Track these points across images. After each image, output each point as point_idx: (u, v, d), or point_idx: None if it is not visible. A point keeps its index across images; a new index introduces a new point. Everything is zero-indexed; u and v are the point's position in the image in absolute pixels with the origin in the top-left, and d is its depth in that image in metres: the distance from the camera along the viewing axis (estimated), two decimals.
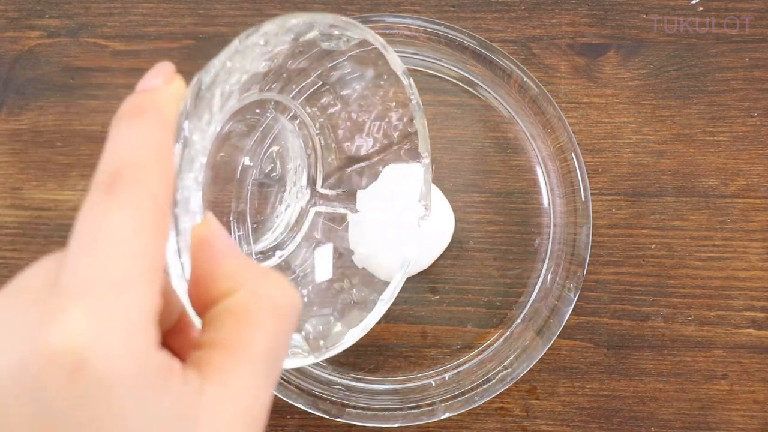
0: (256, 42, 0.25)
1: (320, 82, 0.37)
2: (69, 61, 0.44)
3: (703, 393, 0.42)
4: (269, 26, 0.25)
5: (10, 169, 0.44)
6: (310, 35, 0.29)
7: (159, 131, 0.21)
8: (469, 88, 0.44)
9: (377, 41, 0.29)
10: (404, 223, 0.37)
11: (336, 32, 0.30)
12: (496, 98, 0.43)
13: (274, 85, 0.36)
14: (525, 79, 0.42)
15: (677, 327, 0.43)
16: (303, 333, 0.34)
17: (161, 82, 0.22)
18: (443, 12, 0.44)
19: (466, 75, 0.43)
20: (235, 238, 0.40)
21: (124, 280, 0.18)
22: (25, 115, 0.44)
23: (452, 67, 0.43)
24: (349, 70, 0.35)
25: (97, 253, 0.18)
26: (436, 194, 0.43)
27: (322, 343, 0.33)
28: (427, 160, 0.35)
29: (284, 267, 0.39)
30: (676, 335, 0.43)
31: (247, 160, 0.40)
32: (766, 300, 0.43)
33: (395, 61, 0.31)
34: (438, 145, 0.43)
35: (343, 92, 0.37)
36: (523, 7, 0.44)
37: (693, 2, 0.44)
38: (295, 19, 0.26)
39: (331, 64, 0.35)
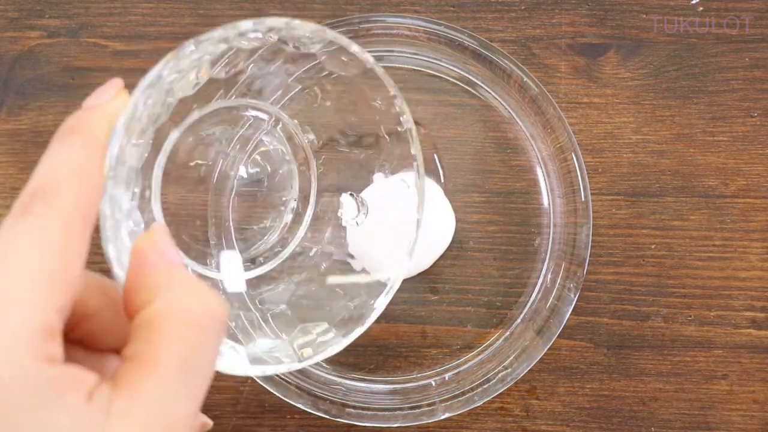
0: (190, 52, 0.25)
1: (299, 86, 0.37)
2: (69, 61, 0.44)
3: (703, 393, 0.42)
4: (205, 43, 0.25)
5: (10, 169, 0.44)
6: (271, 39, 0.29)
7: (84, 152, 0.22)
8: (469, 88, 0.44)
9: (339, 39, 0.28)
10: (400, 230, 0.36)
11: (297, 35, 0.29)
12: (496, 98, 0.43)
13: (249, 91, 0.36)
14: (525, 79, 0.42)
15: (677, 327, 0.43)
16: (289, 338, 0.34)
17: (107, 98, 0.23)
18: (443, 12, 0.44)
19: (466, 75, 0.43)
20: (214, 242, 0.40)
21: (10, 298, 0.19)
22: (25, 115, 0.44)
23: (452, 67, 0.43)
24: (327, 72, 0.34)
25: None
26: (437, 194, 0.43)
27: (310, 349, 0.32)
28: (419, 170, 0.32)
29: (278, 272, 0.39)
30: (676, 335, 0.43)
31: (224, 165, 0.39)
32: (766, 300, 0.43)
33: (363, 57, 0.29)
34: (438, 145, 0.43)
35: (325, 94, 0.37)
36: (523, 7, 0.44)
37: (693, 2, 0.44)
38: (219, 32, 0.26)
39: (309, 66, 0.34)
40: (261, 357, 0.31)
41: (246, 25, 0.26)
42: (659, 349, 0.43)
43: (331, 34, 0.28)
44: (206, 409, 0.42)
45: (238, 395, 0.42)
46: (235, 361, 0.28)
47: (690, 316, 0.43)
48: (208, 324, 0.21)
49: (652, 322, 0.43)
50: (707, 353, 0.43)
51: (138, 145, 0.26)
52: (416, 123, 0.43)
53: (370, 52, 0.43)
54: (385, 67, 0.43)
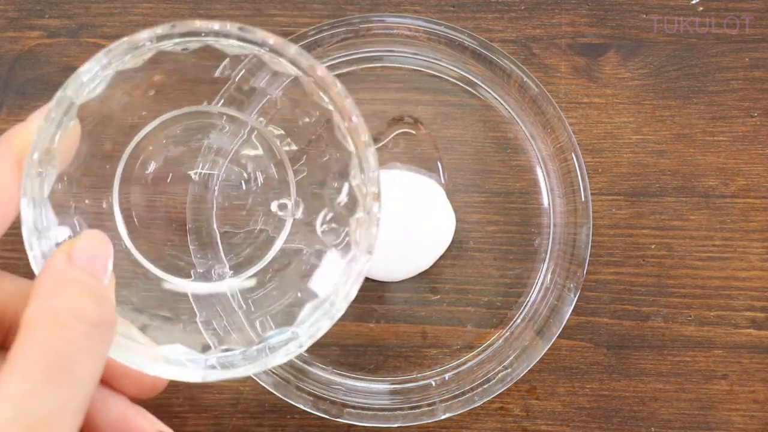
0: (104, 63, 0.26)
1: (268, 95, 0.36)
2: (69, 61, 0.44)
3: (703, 393, 0.42)
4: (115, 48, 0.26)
5: None
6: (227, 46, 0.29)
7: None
8: (469, 88, 0.44)
9: (262, 40, 0.27)
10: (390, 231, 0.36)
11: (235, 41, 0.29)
12: (496, 98, 0.43)
13: (222, 99, 0.36)
14: (525, 79, 0.42)
15: (677, 327, 0.43)
16: (261, 340, 0.33)
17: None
18: (443, 12, 0.44)
19: (466, 75, 0.43)
20: (194, 248, 0.40)
21: None
22: (25, 115, 0.44)
23: (452, 67, 0.43)
24: (285, 76, 0.33)
25: None
26: (437, 194, 0.43)
27: (273, 351, 0.31)
28: (367, 166, 0.30)
29: (264, 275, 0.38)
30: (676, 335, 0.43)
31: (201, 169, 0.39)
32: (766, 300, 0.43)
33: (291, 56, 0.28)
34: (438, 145, 0.43)
35: (290, 98, 0.36)
36: (523, 7, 0.44)
37: (693, 2, 0.44)
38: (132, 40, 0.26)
39: (274, 72, 0.33)
40: (224, 362, 0.30)
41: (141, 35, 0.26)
42: (659, 349, 0.43)
43: (248, 34, 0.27)
44: (206, 409, 0.42)
45: (238, 395, 0.42)
46: (185, 368, 0.28)
47: (690, 316, 0.43)
48: (76, 326, 0.21)
49: (652, 322, 0.43)
50: (707, 353, 0.43)
51: (70, 153, 0.27)
52: (416, 122, 0.44)
53: (370, 52, 0.44)
54: (385, 67, 0.44)
